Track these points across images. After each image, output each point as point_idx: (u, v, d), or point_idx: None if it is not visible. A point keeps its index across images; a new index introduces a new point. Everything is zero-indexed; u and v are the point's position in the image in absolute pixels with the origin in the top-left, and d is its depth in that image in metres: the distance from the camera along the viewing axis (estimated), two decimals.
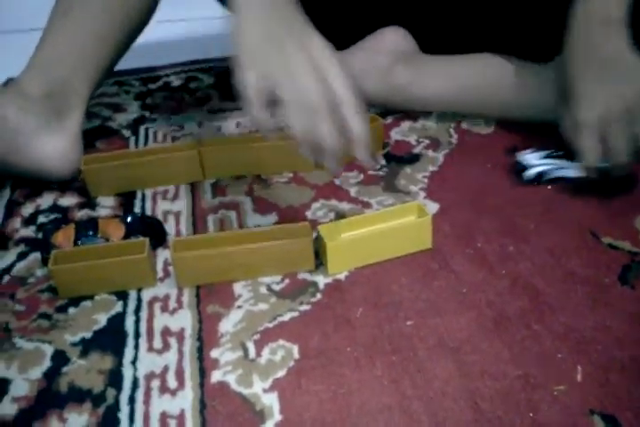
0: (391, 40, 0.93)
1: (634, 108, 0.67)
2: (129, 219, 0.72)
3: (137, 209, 0.77)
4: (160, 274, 0.68)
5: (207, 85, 1.04)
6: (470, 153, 0.84)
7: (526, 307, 0.62)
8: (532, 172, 0.77)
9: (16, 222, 0.76)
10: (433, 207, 0.75)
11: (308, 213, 0.76)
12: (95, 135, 0.91)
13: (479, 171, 0.81)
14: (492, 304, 0.63)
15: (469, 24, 0.90)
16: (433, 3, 0.91)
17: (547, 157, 0.77)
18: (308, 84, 0.57)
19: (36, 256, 0.70)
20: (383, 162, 0.84)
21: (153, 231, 0.71)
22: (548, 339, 0.59)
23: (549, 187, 0.77)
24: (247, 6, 0.61)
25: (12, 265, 0.69)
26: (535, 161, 0.77)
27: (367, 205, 0.77)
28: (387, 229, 0.68)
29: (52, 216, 0.76)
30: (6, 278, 0.67)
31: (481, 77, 0.87)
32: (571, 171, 0.76)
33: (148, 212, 0.77)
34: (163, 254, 0.70)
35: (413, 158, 0.84)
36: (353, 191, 0.79)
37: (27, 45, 1.22)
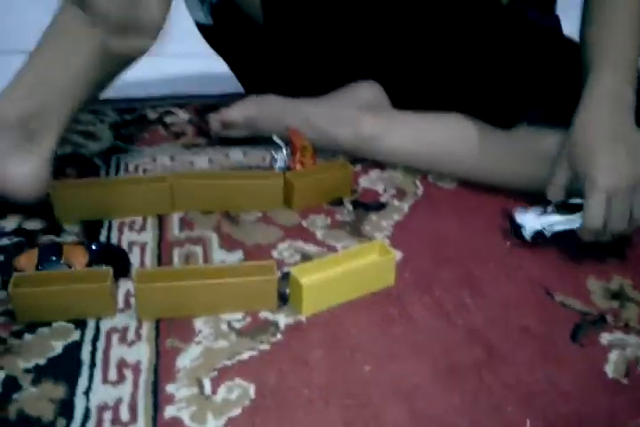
0: (365, 93, 0.96)
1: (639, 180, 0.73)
2: (94, 247, 0.72)
3: (102, 238, 0.77)
4: (120, 305, 0.67)
5: (182, 121, 1.05)
6: (435, 205, 0.87)
7: (479, 358, 0.64)
8: (530, 230, 0.78)
9: None
10: (396, 255, 0.77)
11: (275, 253, 0.77)
12: (66, 162, 0.92)
13: (442, 223, 0.84)
14: (446, 353, 0.64)
15: (440, 83, 0.94)
16: (408, 60, 0.95)
17: (542, 214, 0.78)
18: None
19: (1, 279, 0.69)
20: (350, 208, 0.86)
21: (117, 261, 0.71)
22: (498, 390, 0.60)
23: (508, 243, 0.80)
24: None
25: None
26: (532, 219, 0.78)
27: (333, 249, 0.78)
28: (356, 267, 0.70)
29: (16, 239, 0.75)
30: None
31: (447, 137, 0.91)
32: (570, 224, 0.76)
33: (114, 241, 0.77)
34: (125, 285, 0.70)
35: (380, 206, 0.87)
36: (319, 234, 0.81)
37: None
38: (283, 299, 0.69)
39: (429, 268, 0.76)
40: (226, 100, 1.11)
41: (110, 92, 1.11)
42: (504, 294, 0.72)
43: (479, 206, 0.87)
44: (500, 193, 0.88)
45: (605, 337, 0.67)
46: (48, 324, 0.64)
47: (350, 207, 0.87)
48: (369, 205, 0.87)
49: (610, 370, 0.63)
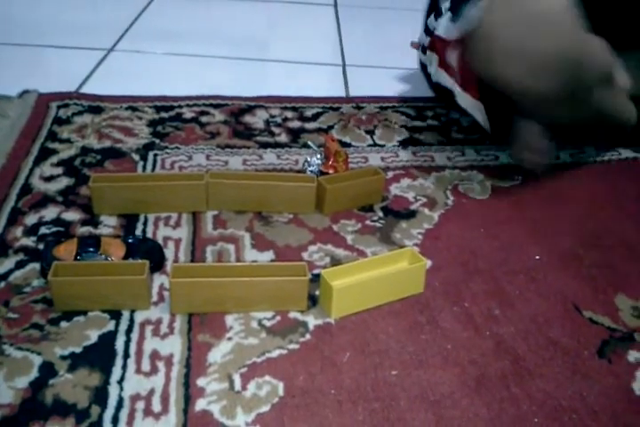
0: None
1: None
2: (130, 240, 0.73)
3: (138, 232, 0.78)
4: (154, 298, 0.68)
5: (218, 121, 1.07)
6: (465, 216, 0.88)
7: (507, 369, 0.64)
8: None
9: (17, 231, 0.76)
10: (426, 263, 0.78)
11: (305, 255, 0.78)
12: (105, 156, 0.93)
13: (472, 234, 0.84)
14: (474, 363, 0.65)
15: None
16: None
17: None
18: None
19: (34, 266, 0.70)
20: (380, 214, 0.87)
21: (152, 255, 0.73)
22: (525, 403, 0.61)
23: (537, 257, 0.80)
24: None
25: (10, 273, 0.70)
26: None
27: (362, 254, 0.79)
28: (387, 273, 0.71)
29: (55, 229, 0.77)
30: (2, 285, 0.68)
31: None
32: None
33: (149, 236, 0.78)
34: (159, 279, 0.71)
35: (410, 214, 0.87)
36: (349, 239, 0.81)
37: (36, 59, 1.26)
38: (312, 300, 0.70)
39: (459, 277, 0.76)
40: (260, 102, 1.13)
41: (148, 90, 1.14)
42: (531, 307, 0.72)
43: (509, 219, 0.87)
44: (527, 209, 0.88)
45: (633, 355, 0.67)
46: (84, 313, 0.65)
47: (381, 214, 0.87)
48: (399, 212, 0.88)
49: (637, 388, 0.63)
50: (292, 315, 0.68)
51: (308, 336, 0.66)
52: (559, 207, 0.91)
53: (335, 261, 0.77)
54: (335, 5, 1.74)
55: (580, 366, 0.65)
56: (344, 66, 1.35)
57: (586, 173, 1.00)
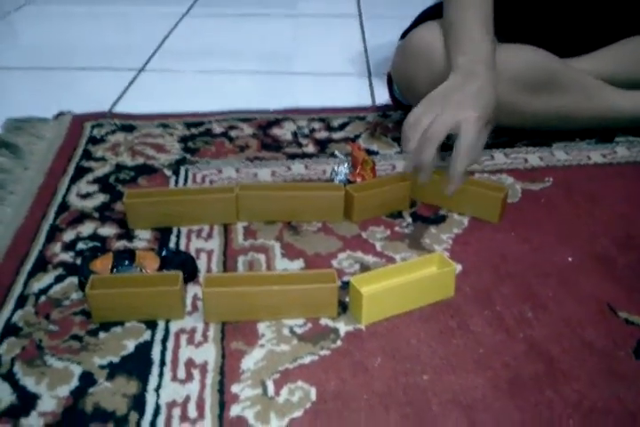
0: None
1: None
2: (164, 253, 0.75)
3: (172, 244, 0.81)
4: (188, 308, 0.70)
5: (246, 135, 1.09)
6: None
7: (541, 372, 0.64)
8: None
9: (56, 247, 0.79)
10: (456, 268, 0.78)
11: (334, 263, 0.79)
12: (138, 172, 0.96)
13: (502, 237, 0.84)
14: (507, 366, 0.64)
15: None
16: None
17: None
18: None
19: (72, 280, 0.73)
20: (409, 220, 0.87)
21: (186, 266, 0.74)
22: (560, 405, 0.60)
23: (570, 259, 0.80)
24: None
25: (49, 287, 0.72)
26: None
27: (391, 260, 0.79)
28: (416, 278, 0.71)
29: (91, 244, 0.80)
30: (43, 299, 0.70)
31: None
32: None
33: (182, 248, 0.80)
34: (193, 290, 0.73)
35: (439, 219, 0.88)
36: (379, 246, 0.82)
37: (69, 81, 1.31)
38: (342, 307, 0.71)
39: (489, 281, 0.76)
40: (287, 114, 1.15)
41: (178, 107, 1.17)
42: (564, 309, 0.72)
43: (539, 221, 0.87)
44: (558, 211, 0.87)
45: None
46: (121, 323, 0.67)
47: (409, 220, 0.88)
48: (428, 217, 0.88)
49: None
50: (323, 322, 0.69)
51: (339, 342, 0.66)
52: (591, 208, 0.90)
53: (364, 268, 0.77)
54: (360, 16, 1.76)
55: (616, 367, 0.64)
56: (370, 76, 1.36)
57: (618, 174, 0.98)
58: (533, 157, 1.02)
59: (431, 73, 0.96)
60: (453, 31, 0.93)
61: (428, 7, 1.10)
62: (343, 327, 0.68)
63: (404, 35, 1.07)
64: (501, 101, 0.89)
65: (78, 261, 0.75)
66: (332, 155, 1.02)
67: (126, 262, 0.72)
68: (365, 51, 1.51)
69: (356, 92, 1.29)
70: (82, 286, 0.70)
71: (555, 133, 1.07)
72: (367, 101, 1.23)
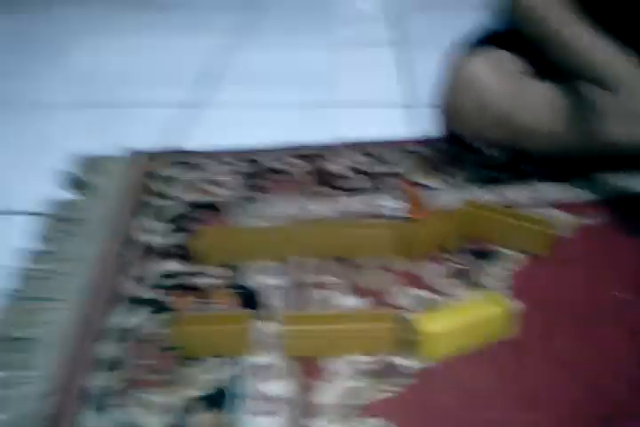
0: None
1: None
2: (238, 289, 0.80)
3: (242, 281, 0.85)
4: (264, 344, 0.74)
5: (302, 170, 1.14)
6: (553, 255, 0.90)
7: (606, 413, 0.65)
8: None
9: (131, 284, 0.85)
10: (514, 306, 0.80)
11: (394, 300, 0.82)
12: (201, 209, 1.02)
13: (562, 274, 0.86)
14: (571, 406, 0.66)
15: None
16: None
17: None
18: None
19: (161, 317, 0.78)
20: (465, 256, 0.90)
21: (254, 303, 0.79)
22: None
23: (617, 293, 0.82)
24: None
25: (141, 324, 0.78)
26: None
27: (449, 297, 0.83)
28: (475, 318, 0.75)
29: (168, 281, 0.85)
30: (136, 335, 0.76)
31: None
32: None
33: (253, 284, 0.84)
34: (269, 326, 0.77)
35: (494, 255, 0.90)
36: (435, 283, 0.85)
37: (124, 118, 1.37)
38: (404, 345, 0.74)
39: (548, 319, 0.78)
40: (340, 149, 1.19)
41: (229, 141, 1.22)
42: (628, 347, 0.74)
43: (594, 255, 0.89)
44: (619, 245, 0.89)
45: None
46: (203, 359, 0.72)
47: (465, 255, 0.91)
48: (484, 253, 0.91)
49: None
50: (389, 359, 0.73)
51: (408, 379, 0.70)
52: None
53: (422, 306, 0.81)
54: (400, 44, 1.80)
55: None
56: (412, 106, 1.40)
57: None
58: (585, 191, 1.04)
59: (481, 104, 1.00)
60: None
61: (472, 33, 1.11)
62: (412, 364, 0.72)
63: (448, 63, 1.09)
64: None
65: (160, 299, 0.80)
66: (387, 190, 1.06)
67: (204, 300, 0.77)
68: (408, 80, 1.55)
69: (405, 124, 1.32)
70: (169, 322, 0.75)
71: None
72: (418, 133, 1.26)
